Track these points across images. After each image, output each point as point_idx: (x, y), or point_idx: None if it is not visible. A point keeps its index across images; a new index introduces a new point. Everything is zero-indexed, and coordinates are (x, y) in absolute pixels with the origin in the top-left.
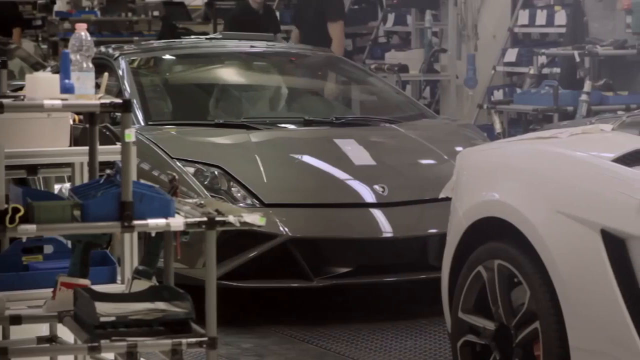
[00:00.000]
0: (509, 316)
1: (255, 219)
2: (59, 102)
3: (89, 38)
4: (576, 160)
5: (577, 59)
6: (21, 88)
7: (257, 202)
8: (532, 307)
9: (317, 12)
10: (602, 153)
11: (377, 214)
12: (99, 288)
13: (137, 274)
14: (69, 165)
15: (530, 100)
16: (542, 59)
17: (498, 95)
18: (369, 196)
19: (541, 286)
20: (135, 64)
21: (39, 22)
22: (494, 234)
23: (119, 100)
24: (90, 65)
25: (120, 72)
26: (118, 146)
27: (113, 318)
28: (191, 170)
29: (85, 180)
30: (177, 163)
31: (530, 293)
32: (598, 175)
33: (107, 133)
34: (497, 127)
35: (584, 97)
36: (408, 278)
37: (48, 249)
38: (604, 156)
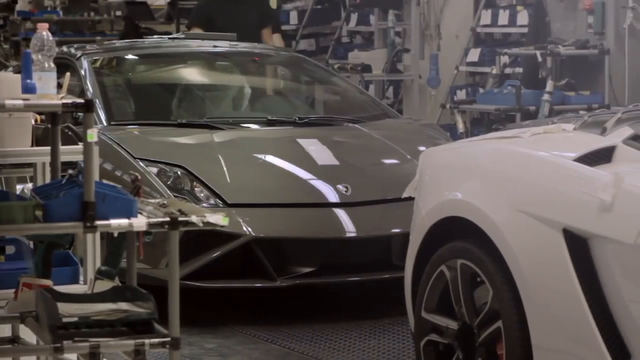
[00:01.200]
0: (471, 315)
1: (218, 219)
2: (20, 102)
3: (51, 38)
4: (538, 160)
5: (539, 59)
6: None
7: (220, 202)
8: (495, 306)
9: (258, 19)
10: (564, 152)
11: (341, 213)
12: (62, 289)
13: (100, 275)
14: (31, 165)
15: (493, 100)
16: (505, 59)
17: (461, 95)
18: (332, 196)
19: (504, 285)
20: (98, 63)
21: (0, 22)
22: (457, 233)
23: (81, 100)
24: (52, 65)
25: (82, 72)
26: (80, 146)
27: (75, 319)
28: (154, 170)
29: (48, 180)
30: (140, 163)
31: (492, 292)
32: (560, 174)
33: (69, 133)
34: (460, 127)
35: (546, 96)
36: (371, 278)
37: (10, 249)
38: (566, 156)
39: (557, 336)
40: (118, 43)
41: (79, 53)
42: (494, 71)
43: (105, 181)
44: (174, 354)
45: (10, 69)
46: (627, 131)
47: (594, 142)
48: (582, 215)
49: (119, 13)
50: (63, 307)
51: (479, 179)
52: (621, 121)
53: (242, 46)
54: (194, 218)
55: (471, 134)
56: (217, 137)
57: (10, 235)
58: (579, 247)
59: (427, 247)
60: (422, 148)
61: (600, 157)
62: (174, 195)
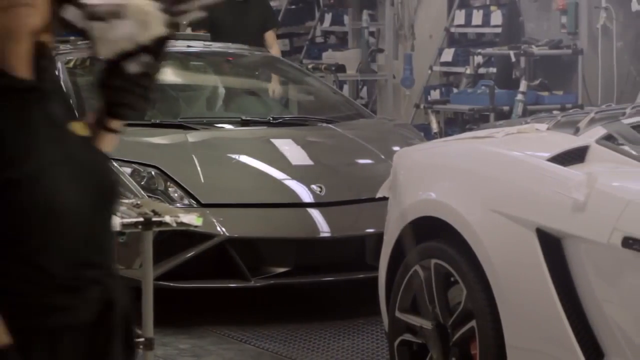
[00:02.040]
0: (445, 315)
1: (192, 219)
2: None
3: None
4: (512, 160)
5: (513, 59)
6: None
7: (194, 202)
8: (469, 306)
9: (261, 22)
10: (538, 152)
11: (315, 213)
12: None
13: None
14: None
15: (467, 100)
16: (478, 59)
17: (435, 95)
18: (306, 196)
19: (477, 285)
20: (72, 63)
21: None
22: (431, 233)
23: None
24: None
25: (56, 72)
26: None
27: None
28: (128, 170)
29: None
30: (114, 163)
31: (466, 292)
32: (533, 174)
33: None
34: (434, 127)
35: (519, 96)
36: (346, 278)
37: None
38: (540, 155)
39: (530, 336)
40: None
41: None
42: (468, 71)
43: None
44: (148, 355)
45: None
46: (600, 131)
47: (567, 142)
48: (555, 215)
49: None
50: None
51: (452, 179)
52: (594, 121)
53: (216, 46)
54: (167, 218)
55: (445, 134)
56: (191, 137)
57: None
58: (552, 246)
59: (401, 247)
60: (396, 148)
61: (573, 157)
62: (147, 196)
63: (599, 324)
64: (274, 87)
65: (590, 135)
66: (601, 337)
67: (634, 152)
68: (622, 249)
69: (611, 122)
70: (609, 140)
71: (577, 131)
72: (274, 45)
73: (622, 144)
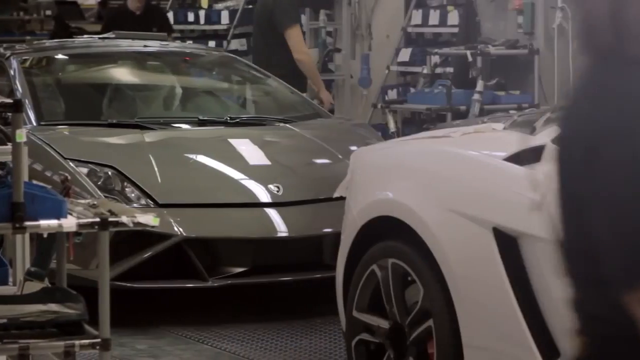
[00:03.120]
0: (402, 315)
1: (149, 219)
2: None
3: None
4: (468, 159)
5: (470, 59)
6: None
7: (151, 202)
8: (426, 306)
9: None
10: (494, 152)
11: (272, 213)
12: None
13: (29, 276)
14: None
15: (424, 99)
16: (435, 59)
17: (392, 94)
18: (264, 196)
19: (434, 284)
20: (27, 63)
21: None
22: (388, 233)
23: (9, 100)
24: None
25: (11, 72)
26: (9, 146)
27: (5, 320)
28: (84, 170)
29: None
30: (70, 163)
31: (423, 291)
32: (490, 174)
33: None
34: (391, 127)
35: (476, 96)
36: (303, 277)
37: None
38: (496, 155)
39: (487, 335)
40: (48, 43)
41: (8, 53)
42: (425, 71)
43: (34, 182)
44: (105, 355)
45: None
46: (556, 130)
47: (523, 141)
48: (511, 214)
49: (49, 12)
50: None
51: (410, 179)
52: (550, 120)
53: (173, 46)
54: (124, 218)
55: (402, 134)
56: (148, 137)
57: None
58: (508, 245)
59: (358, 247)
60: (353, 148)
61: (529, 156)
62: (104, 196)
63: (555, 322)
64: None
65: (547, 135)
66: (557, 335)
67: None
68: None
69: None
70: None
71: (533, 131)
72: None
73: None
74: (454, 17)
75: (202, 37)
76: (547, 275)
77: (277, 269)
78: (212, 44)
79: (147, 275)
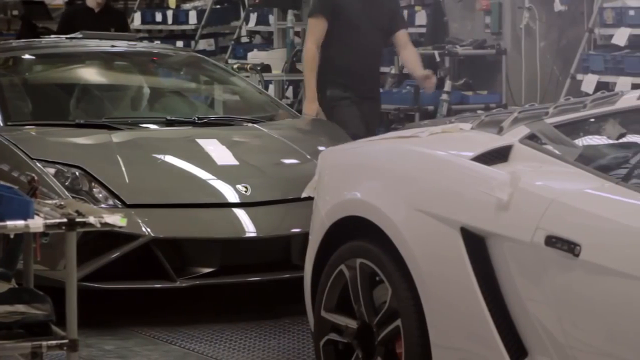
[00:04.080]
0: (371, 314)
1: (116, 219)
2: None
3: None
4: (436, 159)
5: (438, 59)
6: None
7: (119, 202)
8: (394, 305)
9: (389, 19)
10: (462, 152)
11: (240, 213)
12: None
13: None
14: None
15: (392, 99)
16: None
17: None
18: (232, 196)
19: (402, 284)
20: None
21: None
22: (356, 233)
23: None
24: None
25: None
26: None
27: None
28: (52, 171)
29: None
30: (37, 164)
31: (391, 291)
32: (458, 174)
33: None
34: None
35: (444, 96)
36: (272, 277)
37: None
38: (464, 155)
39: (455, 334)
40: (15, 43)
41: None
42: (393, 71)
43: (1, 182)
44: (72, 356)
45: None
46: (523, 130)
47: (491, 141)
48: (479, 214)
49: (15, 12)
50: None
51: (377, 179)
52: (517, 120)
53: (141, 46)
54: (91, 219)
55: None
56: (116, 137)
57: None
58: (476, 245)
59: (326, 247)
60: (321, 148)
61: (497, 156)
62: (72, 196)
63: (522, 322)
64: (428, 75)
65: (514, 135)
66: (525, 335)
67: (556, 152)
68: (545, 248)
69: (534, 121)
70: (532, 139)
71: (500, 131)
72: (408, 49)
73: (545, 144)
74: (421, 17)
75: (170, 37)
76: (515, 275)
77: (246, 269)
78: (179, 44)
79: (115, 275)
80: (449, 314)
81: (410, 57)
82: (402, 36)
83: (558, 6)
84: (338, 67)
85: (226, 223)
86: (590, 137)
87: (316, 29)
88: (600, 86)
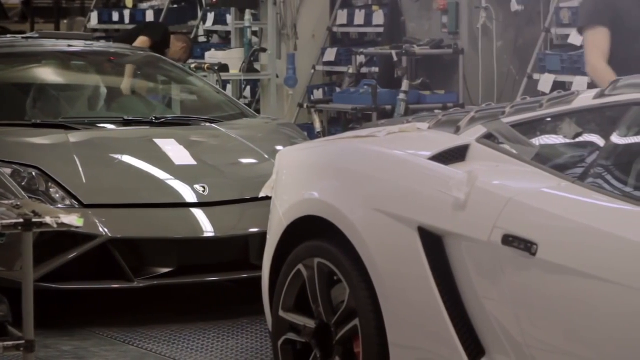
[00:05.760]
0: (329, 314)
1: (73, 220)
2: None
3: None
4: (393, 159)
5: (395, 59)
6: None
7: (76, 202)
8: (352, 305)
9: None
10: (419, 151)
11: (198, 213)
12: None
13: None
14: None
15: (350, 99)
16: (361, 59)
17: (318, 94)
18: (189, 196)
19: (360, 284)
20: None
21: None
22: (314, 232)
23: None
24: None
25: None
26: None
27: None
28: (8, 171)
29: None
30: None
31: (349, 291)
32: (415, 173)
33: None
34: (317, 126)
35: (402, 96)
36: (230, 277)
37: None
38: (421, 154)
39: (413, 334)
40: None
41: None
42: (351, 71)
43: None
44: (29, 357)
45: None
46: (480, 130)
47: (448, 141)
48: (436, 214)
49: None
50: None
51: (335, 178)
52: (474, 120)
53: (98, 46)
54: (48, 219)
55: (328, 133)
56: (73, 137)
57: None
58: (434, 245)
59: (284, 247)
60: (279, 147)
61: (454, 155)
62: (28, 197)
63: (480, 321)
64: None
65: (471, 134)
66: (482, 334)
67: (513, 151)
68: (502, 247)
69: (491, 121)
70: (489, 139)
71: (457, 130)
72: None
73: (502, 143)
74: (379, 17)
75: None
76: (472, 274)
77: (203, 269)
78: None
79: (72, 276)
80: (407, 314)
81: None
82: None
83: (515, 6)
84: None
85: (184, 223)
86: (547, 136)
87: (599, 41)
88: (557, 86)
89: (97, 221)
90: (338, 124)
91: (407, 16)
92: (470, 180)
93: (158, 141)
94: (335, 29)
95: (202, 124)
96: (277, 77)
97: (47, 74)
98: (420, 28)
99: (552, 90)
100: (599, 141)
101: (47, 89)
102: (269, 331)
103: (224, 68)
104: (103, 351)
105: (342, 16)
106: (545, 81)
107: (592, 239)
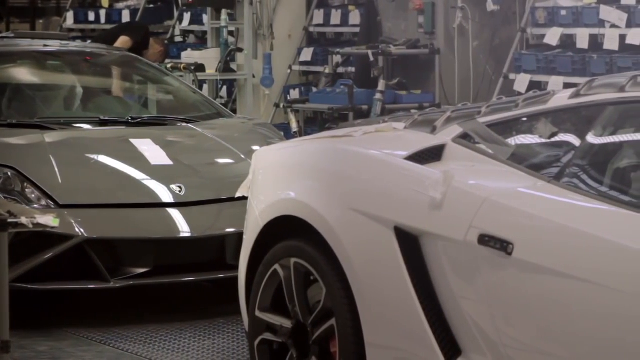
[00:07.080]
0: (305, 314)
1: (49, 220)
2: None
3: None
4: (370, 159)
5: (372, 59)
6: None
7: (51, 203)
8: (328, 305)
9: None
10: (395, 151)
11: (175, 213)
12: None
13: None
14: None
15: (326, 99)
16: (337, 59)
17: (294, 94)
18: (166, 196)
19: (337, 283)
20: None
21: None
22: (291, 232)
23: None
24: None
25: None
26: None
27: None
28: None
29: None
30: None
31: (326, 290)
32: (391, 173)
33: None
34: (294, 126)
35: (378, 96)
36: (206, 277)
37: None
38: (397, 154)
39: (389, 333)
40: None
41: None
42: (327, 70)
43: None
44: (4, 358)
45: None
46: (456, 130)
47: (424, 140)
48: (413, 213)
49: None
50: None
51: (311, 178)
52: (451, 120)
53: (73, 45)
54: (23, 220)
55: (305, 133)
56: (49, 137)
57: None
58: (410, 244)
59: (261, 247)
60: (255, 147)
61: (430, 155)
62: (4, 197)
63: (456, 321)
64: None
65: (447, 134)
66: (459, 334)
67: (489, 151)
68: (479, 247)
69: (467, 120)
70: (465, 138)
71: (434, 130)
72: None
73: (478, 143)
74: (355, 16)
75: None
76: (449, 274)
77: (180, 269)
78: None
79: (48, 276)
80: (383, 313)
81: None
82: None
83: (491, 6)
84: None
85: (160, 223)
86: (523, 136)
87: None
88: (533, 85)
89: (73, 221)
90: (314, 123)
91: (383, 16)
92: (446, 180)
93: (134, 141)
94: (311, 29)
95: (179, 124)
96: (254, 77)
97: (23, 74)
98: (396, 28)
99: (528, 90)
100: (575, 141)
101: (22, 89)
102: (245, 331)
103: (200, 68)
104: (79, 351)
105: (318, 16)
106: (521, 81)
107: (567, 238)
